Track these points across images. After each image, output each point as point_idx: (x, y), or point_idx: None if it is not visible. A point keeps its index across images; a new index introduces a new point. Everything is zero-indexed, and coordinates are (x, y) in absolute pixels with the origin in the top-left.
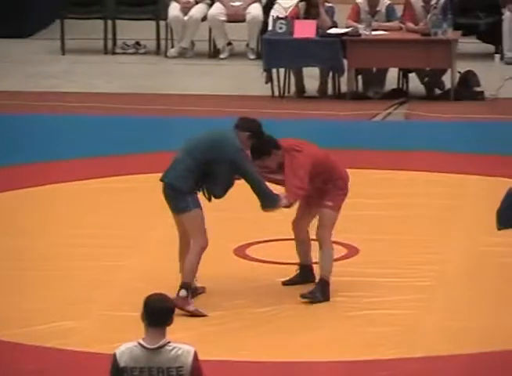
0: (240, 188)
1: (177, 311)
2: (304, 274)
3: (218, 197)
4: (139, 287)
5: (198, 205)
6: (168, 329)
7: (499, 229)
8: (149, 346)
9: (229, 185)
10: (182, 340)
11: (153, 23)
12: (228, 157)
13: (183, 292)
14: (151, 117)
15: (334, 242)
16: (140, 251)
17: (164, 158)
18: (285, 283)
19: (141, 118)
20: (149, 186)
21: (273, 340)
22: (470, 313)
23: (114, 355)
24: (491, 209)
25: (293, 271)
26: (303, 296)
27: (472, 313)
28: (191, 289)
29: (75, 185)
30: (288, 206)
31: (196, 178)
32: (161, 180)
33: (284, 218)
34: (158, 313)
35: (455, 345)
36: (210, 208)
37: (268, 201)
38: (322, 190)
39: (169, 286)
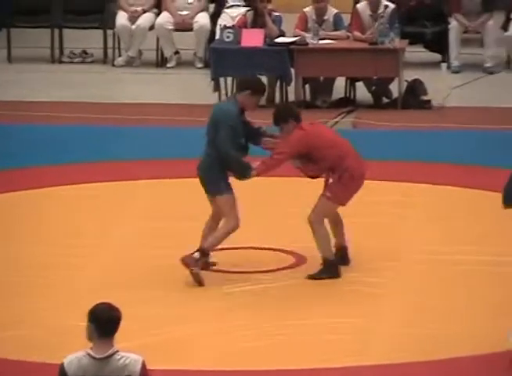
0: (198, 196)
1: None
2: (341, 256)
3: (226, 154)
4: (90, 297)
5: (230, 190)
6: (123, 336)
7: (505, 207)
8: (97, 356)
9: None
10: (126, 349)
11: (100, 32)
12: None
13: (197, 254)
14: (99, 125)
15: (282, 250)
16: (96, 261)
17: (110, 167)
18: None
19: (88, 127)
20: (106, 194)
21: (224, 348)
22: (423, 321)
23: (62, 365)
24: (440, 217)
25: (246, 278)
26: (309, 276)
27: (425, 321)
28: (205, 256)
29: (23, 194)
30: (257, 175)
31: (218, 160)
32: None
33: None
34: (107, 323)
35: (410, 352)
36: (162, 217)
37: (240, 171)
38: (332, 179)
39: (118, 296)
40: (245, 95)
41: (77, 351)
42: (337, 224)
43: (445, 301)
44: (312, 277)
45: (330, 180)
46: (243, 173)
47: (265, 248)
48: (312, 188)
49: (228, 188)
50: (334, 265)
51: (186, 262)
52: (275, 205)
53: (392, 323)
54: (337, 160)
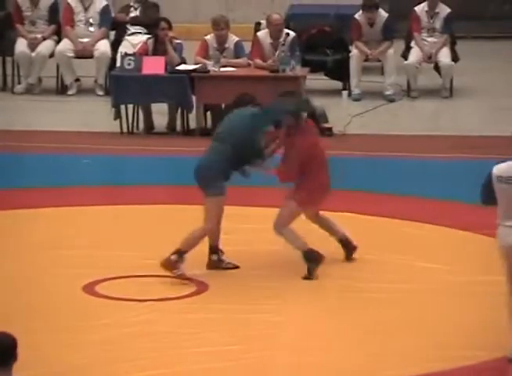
0: (98, 225)
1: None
2: (345, 248)
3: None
4: None
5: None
6: (21, 366)
7: (483, 204)
8: None
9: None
10: None
11: None
12: None
13: (174, 257)
14: None
15: (184, 278)
16: None
17: (10, 195)
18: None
19: None
20: (3, 223)
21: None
22: (316, 349)
23: None
24: (334, 245)
25: (144, 307)
26: (304, 277)
27: (318, 349)
28: (182, 257)
29: None
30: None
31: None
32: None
33: (136, 254)
34: (2, 352)
35: None
36: (60, 245)
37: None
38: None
39: (15, 324)
40: None
41: None
42: (324, 221)
43: (345, 328)
44: (307, 277)
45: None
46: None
47: (164, 276)
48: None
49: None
50: (311, 252)
51: (166, 266)
52: (178, 232)
53: (287, 351)
54: (310, 173)
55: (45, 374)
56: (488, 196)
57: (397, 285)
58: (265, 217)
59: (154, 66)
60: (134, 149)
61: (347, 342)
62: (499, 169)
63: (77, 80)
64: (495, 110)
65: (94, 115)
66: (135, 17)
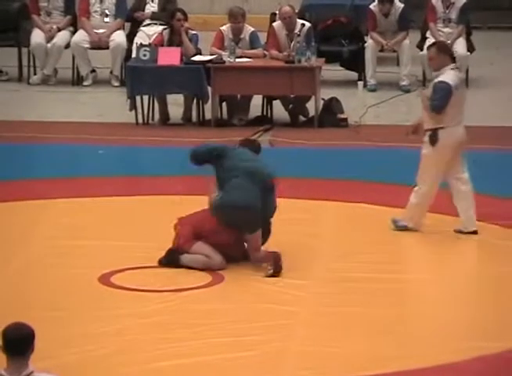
0: (108, 215)
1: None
2: None
3: None
4: (6, 317)
5: None
6: (36, 356)
7: None
8: None
9: None
10: (43, 369)
11: (15, 50)
12: None
13: None
14: (13, 144)
15: (198, 269)
16: (6, 281)
17: (25, 186)
18: None
19: (2, 145)
20: (18, 213)
21: (142, 366)
22: (331, 339)
23: None
24: (350, 236)
25: (160, 297)
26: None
27: (333, 339)
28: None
29: None
30: None
31: None
32: None
33: (151, 245)
34: (17, 342)
35: (317, 370)
36: (75, 236)
37: None
38: None
39: (33, 316)
40: None
41: None
42: None
43: (356, 320)
44: None
45: None
46: None
47: (179, 266)
48: None
49: None
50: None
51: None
52: None
53: (300, 341)
54: None
55: (61, 364)
56: None
57: (412, 275)
58: (287, 207)
59: (170, 57)
60: (149, 140)
61: (363, 332)
62: None
63: (93, 71)
64: (511, 101)
65: (109, 106)
66: (155, 14)
